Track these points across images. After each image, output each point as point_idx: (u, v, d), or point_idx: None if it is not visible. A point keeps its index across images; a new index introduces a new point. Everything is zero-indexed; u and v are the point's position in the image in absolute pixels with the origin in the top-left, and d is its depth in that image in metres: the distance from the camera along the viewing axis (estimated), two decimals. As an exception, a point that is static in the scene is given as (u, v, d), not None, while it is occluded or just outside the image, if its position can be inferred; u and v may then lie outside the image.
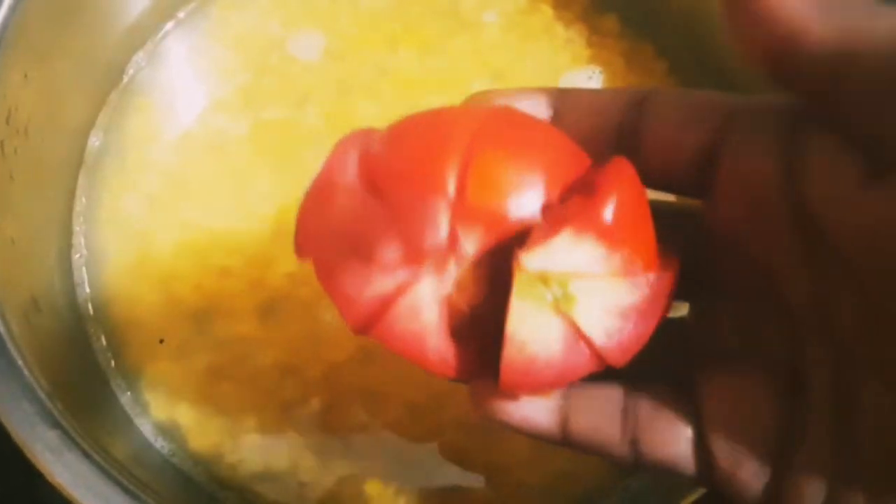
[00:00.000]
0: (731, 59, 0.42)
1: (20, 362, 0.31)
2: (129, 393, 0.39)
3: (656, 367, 0.23)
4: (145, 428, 0.38)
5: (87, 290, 0.40)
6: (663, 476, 0.31)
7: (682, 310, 0.25)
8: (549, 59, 0.45)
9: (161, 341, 0.39)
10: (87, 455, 0.31)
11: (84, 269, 0.40)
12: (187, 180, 0.42)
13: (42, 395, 0.31)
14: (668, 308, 0.23)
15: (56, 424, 0.31)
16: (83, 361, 0.38)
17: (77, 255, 0.40)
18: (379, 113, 0.43)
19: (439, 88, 0.43)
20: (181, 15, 0.45)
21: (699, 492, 0.30)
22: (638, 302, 0.22)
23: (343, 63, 0.44)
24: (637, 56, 0.45)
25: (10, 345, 0.32)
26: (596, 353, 0.22)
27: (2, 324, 0.32)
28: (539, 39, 0.45)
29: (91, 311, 0.40)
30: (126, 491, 0.31)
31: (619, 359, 0.22)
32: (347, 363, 0.39)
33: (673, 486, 0.31)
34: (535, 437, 0.24)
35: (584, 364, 0.22)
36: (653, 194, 0.23)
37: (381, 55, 0.44)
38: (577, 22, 0.45)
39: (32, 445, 0.30)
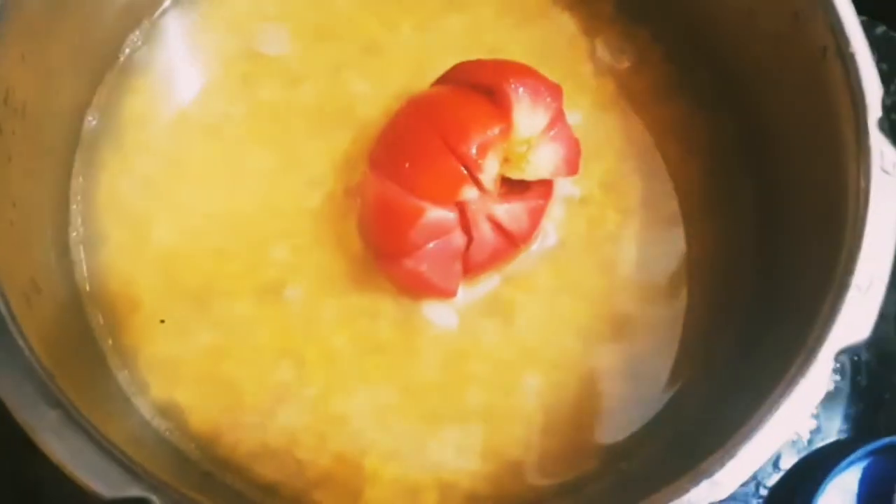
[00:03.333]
0: (727, 47, 0.42)
1: (21, 343, 0.31)
2: (126, 372, 0.39)
3: None
4: (143, 407, 0.38)
5: (85, 269, 0.40)
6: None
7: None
8: (543, 40, 0.45)
9: (162, 321, 0.39)
10: (87, 434, 0.31)
11: (82, 247, 0.40)
12: (184, 160, 0.42)
13: (42, 375, 0.31)
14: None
15: (56, 404, 0.31)
16: (82, 341, 0.39)
17: (74, 234, 0.40)
18: (373, 90, 0.43)
19: (432, 66, 0.43)
20: (177, -8, 0.44)
21: (688, 475, 0.30)
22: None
23: (338, 41, 0.44)
24: (632, 42, 0.45)
25: (10, 325, 0.32)
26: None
27: (2, 305, 0.32)
28: (535, 20, 0.45)
29: (89, 290, 0.40)
30: (126, 469, 0.31)
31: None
32: (345, 344, 0.39)
33: (664, 471, 0.32)
34: None
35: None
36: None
37: (375, 33, 0.44)
38: (574, 5, 0.45)
39: (33, 424, 0.30)
